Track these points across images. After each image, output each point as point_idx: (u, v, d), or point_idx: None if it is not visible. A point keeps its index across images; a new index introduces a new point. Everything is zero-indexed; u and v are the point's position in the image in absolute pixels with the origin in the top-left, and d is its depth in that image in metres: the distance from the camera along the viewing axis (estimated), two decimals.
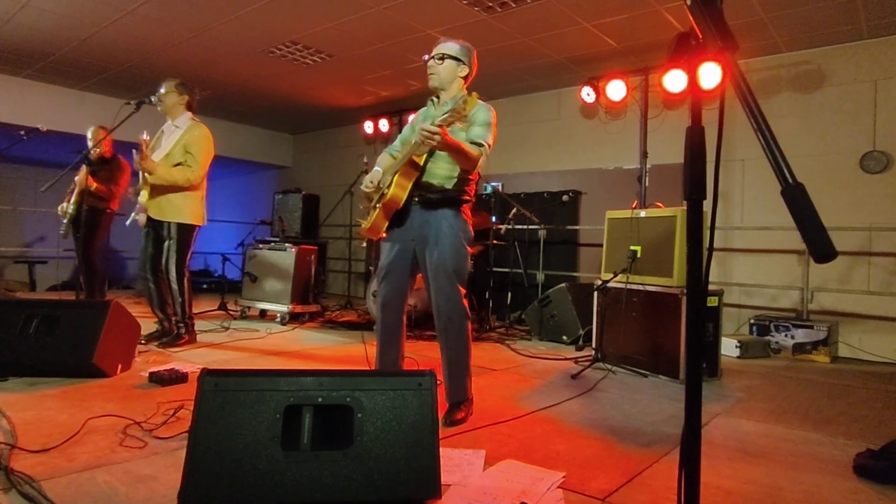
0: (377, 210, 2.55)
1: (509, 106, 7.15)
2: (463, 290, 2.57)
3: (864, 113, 4.84)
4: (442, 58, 2.57)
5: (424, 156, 2.50)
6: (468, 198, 2.62)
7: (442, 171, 2.53)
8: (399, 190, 2.47)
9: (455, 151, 2.38)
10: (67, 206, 5.10)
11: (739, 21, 4.56)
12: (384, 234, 2.66)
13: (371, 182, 2.64)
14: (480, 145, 2.45)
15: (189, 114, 4.08)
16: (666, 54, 5.28)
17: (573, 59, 5.72)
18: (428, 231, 2.54)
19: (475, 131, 2.49)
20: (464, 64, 2.59)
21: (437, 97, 2.67)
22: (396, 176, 2.49)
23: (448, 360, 2.60)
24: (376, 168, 2.70)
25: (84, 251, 5.04)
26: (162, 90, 4.01)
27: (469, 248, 2.59)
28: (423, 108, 2.76)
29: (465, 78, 2.64)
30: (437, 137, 2.17)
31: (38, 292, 8.85)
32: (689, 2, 0.99)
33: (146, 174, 3.81)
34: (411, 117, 2.89)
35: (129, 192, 4.04)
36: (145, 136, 3.89)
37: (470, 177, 2.61)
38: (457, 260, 2.52)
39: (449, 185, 2.54)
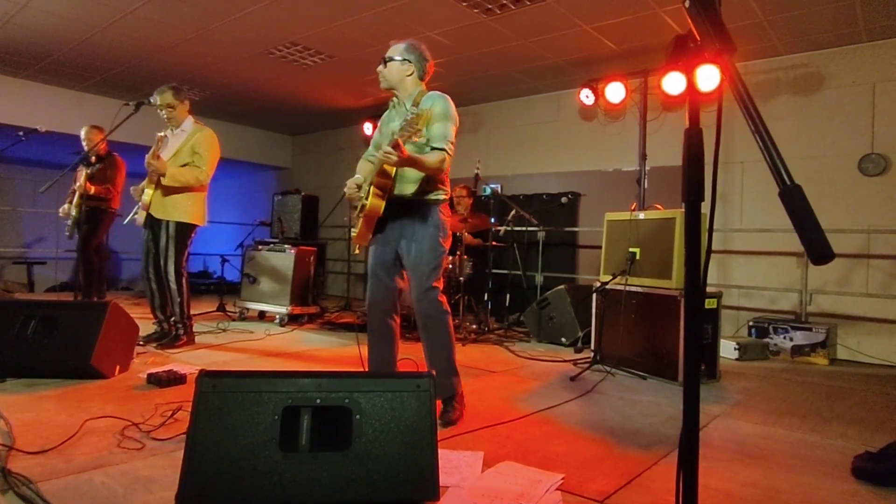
0: (361, 220, 2.60)
1: (508, 108, 7.16)
2: (440, 286, 2.62)
3: (863, 115, 4.85)
4: (385, 62, 2.65)
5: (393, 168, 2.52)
6: (444, 195, 2.66)
7: (413, 173, 2.56)
8: (376, 199, 2.52)
9: (415, 166, 2.41)
10: (70, 208, 5.11)
11: (738, 23, 4.57)
12: (370, 241, 2.71)
13: (354, 185, 2.68)
14: (442, 149, 2.48)
15: (191, 118, 4.10)
16: (664, 56, 5.29)
17: (572, 61, 5.73)
18: (406, 231, 2.61)
19: (434, 131, 2.50)
20: (408, 62, 2.63)
21: (396, 97, 2.71)
22: (372, 187, 2.52)
23: (432, 356, 2.63)
24: (357, 175, 2.75)
25: (82, 248, 5.05)
26: (165, 110, 3.95)
27: (446, 245, 2.65)
28: (386, 111, 2.82)
29: (418, 75, 2.66)
30: (393, 158, 2.22)
31: (36, 293, 8.84)
32: (687, 4, 0.99)
33: (159, 176, 3.81)
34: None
35: (132, 192, 4.05)
36: (162, 133, 3.89)
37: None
38: (433, 257, 2.58)
39: (423, 185, 2.59)
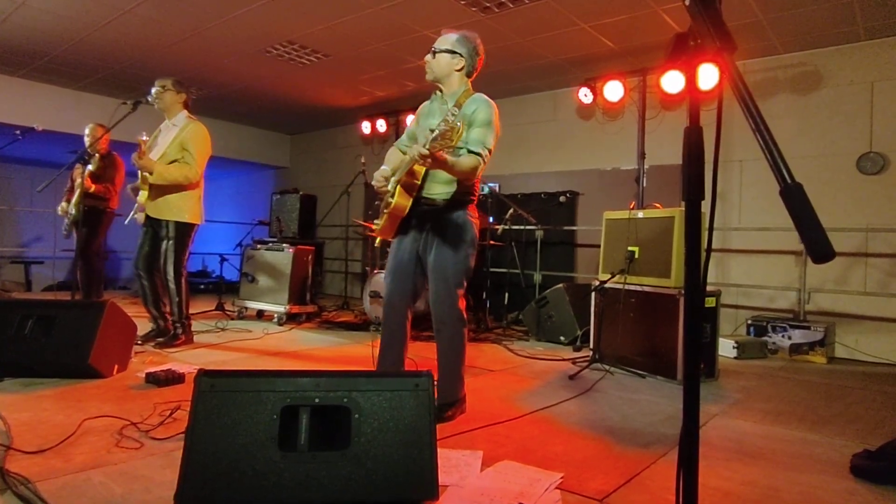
0: (386, 215, 2.57)
1: (506, 107, 7.10)
2: (461, 293, 2.57)
3: (861, 114, 4.85)
4: (435, 53, 2.56)
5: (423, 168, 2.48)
6: (472, 197, 2.61)
7: (444, 175, 2.51)
8: (402, 199, 2.49)
9: (447, 169, 2.36)
10: (68, 207, 5.10)
11: (737, 22, 4.57)
12: (392, 237, 2.68)
13: (382, 177, 2.63)
14: (478, 154, 2.41)
15: (185, 112, 4.08)
16: (664, 55, 5.28)
17: (571, 59, 5.73)
18: (430, 233, 2.56)
19: (473, 135, 2.45)
20: (459, 55, 2.55)
21: (441, 90, 2.64)
22: (399, 186, 2.49)
23: (439, 361, 2.62)
24: (384, 167, 2.68)
25: (83, 250, 5.03)
26: (158, 88, 3.99)
27: (472, 250, 2.58)
28: (427, 102, 2.74)
29: (466, 71, 2.59)
30: (428, 162, 2.19)
31: (34, 292, 8.82)
32: (687, 2, 0.99)
33: (145, 174, 3.81)
34: (410, 117, 2.88)
35: (128, 191, 4.04)
36: (144, 137, 3.89)
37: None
38: (455, 263, 2.53)
39: (452, 188, 2.54)
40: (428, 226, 2.57)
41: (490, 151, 2.47)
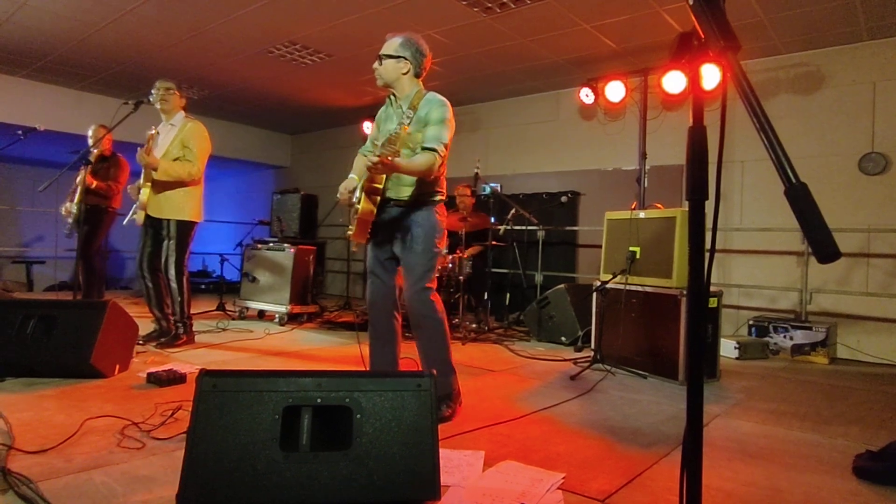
0: (355, 220, 2.61)
1: (507, 107, 7.15)
2: (434, 286, 2.63)
3: (863, 114, 4.85)
4: (381, 59, 2.60)
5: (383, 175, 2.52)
6: (440, 196, 2.67)
7: (408, 177, 2.56)
8: (367, 204, 2.54)
9: (405, 171, 2.42)
10: (71, 206, 5.10)
11: (738, 22, 4.56)
12: (366, 241, 2.72)
13: (346, 189, 2.67)
14: (433, 150, 2.46)
15: (183, 112, 4.10)
16: (666, 55, 5.29)
17: (572, 60, 5.72)
18: (401, 232, 2.61)
19: (429, 133, 2.50)
20: (404, 59, 2.58)
21: (394, 95, 2.67)
22: (363, 193, 2.53)
23: (427, 356, 2.63)
24: (351, 175, 2.74)
25: (83, 249, 5.03)
26: (163, 90, 3.99)
27: (440, 245, 2.66)
28: (383, 108, 2.79)
29: (413, 73, 2.61)
30: (379, 168, 2.24)
31: (35, 292, 8.83)
32: (691, 1, 0.98)
33: (151, 171, 3.81)
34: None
35: (129, 191, 4.05)
36: (153, 131, 3.89)
37: (437, 175, 2.63)
38: (427, 260, 2.60)
39: (419, 187, 2.59)
40: (399, 227, 2.62)
41: (446, 147, 2.52)
